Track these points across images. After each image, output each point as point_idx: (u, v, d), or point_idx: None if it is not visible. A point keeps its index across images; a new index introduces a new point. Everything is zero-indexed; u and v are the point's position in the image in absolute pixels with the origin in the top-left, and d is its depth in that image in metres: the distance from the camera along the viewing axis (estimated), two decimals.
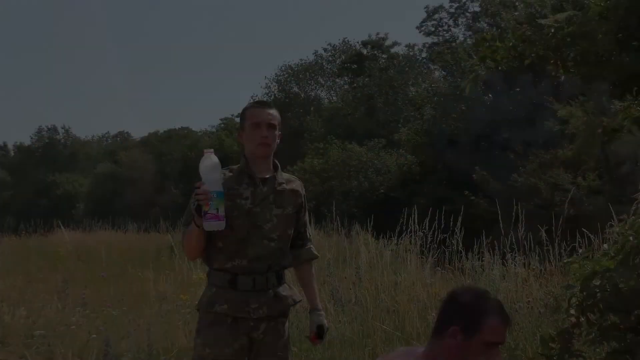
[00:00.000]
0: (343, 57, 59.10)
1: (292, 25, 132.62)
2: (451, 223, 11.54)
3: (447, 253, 11.52)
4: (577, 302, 4.32)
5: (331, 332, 8.41)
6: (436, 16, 52.79)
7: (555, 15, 4.62)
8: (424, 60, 53.04)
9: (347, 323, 8.84)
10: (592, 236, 10.18)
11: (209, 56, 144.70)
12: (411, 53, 54.21)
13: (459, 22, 51.97)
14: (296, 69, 58.79)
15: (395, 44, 57.63)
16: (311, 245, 5.12)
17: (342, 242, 17.16)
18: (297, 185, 4.98)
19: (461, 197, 25.85)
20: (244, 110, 4.88)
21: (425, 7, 52.38)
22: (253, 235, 4.67)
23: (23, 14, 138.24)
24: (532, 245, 10.65)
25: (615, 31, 4.17)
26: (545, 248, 10.51)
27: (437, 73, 46.00)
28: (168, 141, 73.52)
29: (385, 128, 44.30)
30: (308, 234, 5.11)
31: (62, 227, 25.70)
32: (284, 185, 4.86)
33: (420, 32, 54.04)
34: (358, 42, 59.25)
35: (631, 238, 4.28)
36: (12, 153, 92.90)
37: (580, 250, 7.33)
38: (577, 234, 10.74)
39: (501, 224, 10.58)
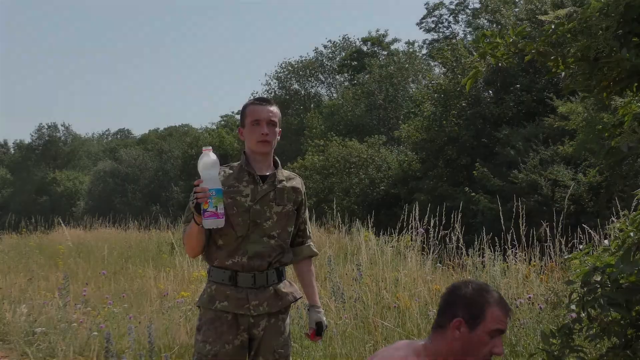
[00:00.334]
0: (343, 53, 59.15)
1: (292, 22, 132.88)
2: (452, 219, 11.53)
3: (447, 249, 11.52)
4: (578, 298, 4.31)
5: (332, 328, 8.42)
6: (436, 13, 52.95)
7: (556, 12, 4.62)
8: (424, 56, 53.04)
9: (348, 319, 8.84)
10: (592, 232, 10.19)
11: (209, 53, 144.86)
12: (411, 50, 54.26)
13: (459, 19, 52.13)
14: (296, 65, 58.84)
15: (395, 40, 57.85)
16: (311, 243, 5.11)
17: (342, 238, 17.17)
18: (297, 182, 4.96)
19: (462, 193, 25.90)
20: (245, 107, 4.87)
21: (425, 4, 52.59)
22: (253, 233, 4.67)
23: (24, 12, 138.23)
24: (533, 241, 10.65)
25: (616, 27, 4.17)
26: (546, 244, 10.51)
27: (437, 69, 46.01)
28: (168, 138, 73.67)
29: (386, 125, 44.36)
30: (308, 231, 5.10)
31: (62, 224, 25.71)
32: (284, 182, 4.85)
33: (420, 28, 54.27)
34: (358, 39, 59.45)
35: (632, 234, 4.29)
36: (12, 151, 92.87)
37: (581, 246, 7.33)
38: (578, 229, 10.75)
39: (502, 220, 10.57)
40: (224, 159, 47.79)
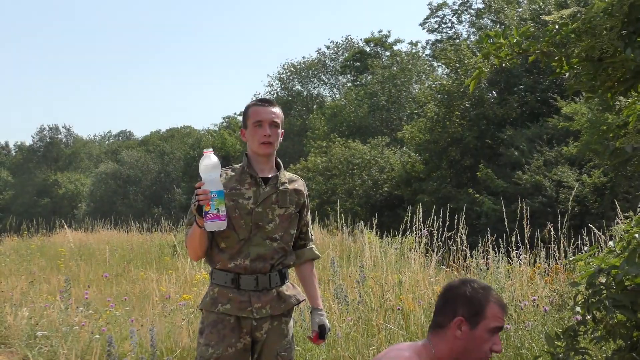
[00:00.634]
0: (346, 54, 59.16)
1: (294, 23, 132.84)
2: (455, 221, 11.52)
3: (451, 251, 11.51)
4: (583, 300, 4.31)
5: (335, 331, 8.41)
6: (439, 13, 52.85)
7: (559, 12, 4.61)
8: (427, 57, 53.04)
9: (352, 322, 8.83)
10: (597, 233, 10.18)
11: (211, 54, 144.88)
12: (414, 50, 54.24)
13: (463, 19, 52.05)
14: (299, 66, 58.93)
15: (398, 41, 57.85)
16: (313, 245, 5.10)
17: (346, 240, 17.18)
18: (299, 184, 4.95)
19: (465, 194, 25.91)
20: (247, 108, 4.85)
21: (428, 4, 52.43)
22: (255, 236, 4.67)
23: (24, 11, 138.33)
24: (537, 242, 10.64)
25: (620, 27, 4.16)
26: (550, 246, 10.50)
27: (440, 70, 46.01)
28: (170, 140, 73.70)
29: (389, 126, 44.38)
30: (310, 233, 5.09)
31: (65, 226, 25.72)
32: (287, 184, 4.85)
33: (423, 29, 54.24)
34: (361, 40, 59.53)
35: (637, 235, 4.28)
36: (13, 152, 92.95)
37: (586, 248, 7.32)
38: (583, 231, 10.73)
39: (506, 222, 10.56)
40: (226, 160, 47.85)
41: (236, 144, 54.59)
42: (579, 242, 10.46)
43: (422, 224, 11.86)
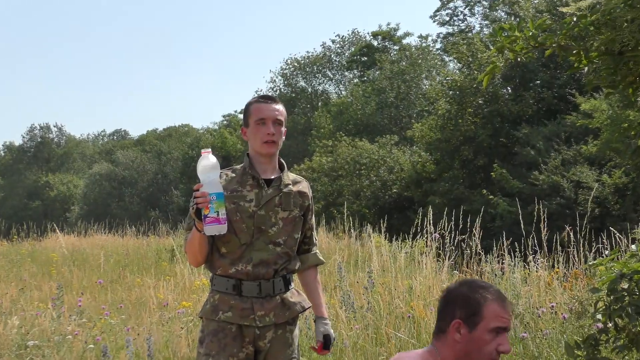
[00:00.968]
0: (352, 49, 59.16)
1: (298, 15, 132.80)
2: (469, 224, 11.52)
3: (465, 255, 11.51)
4: (604, 307, 4.31)
5: (342, 340, 8.41)
6: (451, 5, 52.85)
7: (578, 3, 4.60)
8: (438, 51, 53.02)
9: (360, 330, 8.84)
10: (619, 236, 10.17)
11: (210, 49, 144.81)
12: (424, 44, 54.22)
13: (475, 11, 52.05)
14: (303, 62, 58.93)
15: (407, 34, 57.85)
16: (317, 250, 5.10)
17: (353, 244, 17.17)
18: (304, 186, 4.94)
19: (479, 196, 25.89)
20: (248, 105, 4.84)
21: None
22: (258, 240, 4.66)
23: (8, 4, 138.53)
24: (555, 246, 10.64)
25: None
26: (569, 249, 10.49)
27: (452, 65, 45.97)
28: (168, 139, 73.79)
29: (398, 124, 44.36)
30: (314, 238, 5.08)
31: (57, 230, 25.76)
32: (290, 186, 4.83)
33: (434, 21, 54.22)
34: (368, 33, 59.49)
35: None
36: (2, 153, 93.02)
37: (607, 252, 7.31)
38: (603, 234, 10.73)
39: (522, 224, 10.56)
40: (226, 161, 47.84)
41: (237, 143, 54.61)
42: (600, 245, 10.46)
43: (433, 226, 11.87)
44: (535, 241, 10.48)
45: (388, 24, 58.83)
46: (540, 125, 27.12)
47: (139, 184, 66.43)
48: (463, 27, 52.33)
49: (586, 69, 4.71)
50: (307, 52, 63.82)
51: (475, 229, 11.21)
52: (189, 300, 11.52)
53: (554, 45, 4.62)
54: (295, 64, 59.04)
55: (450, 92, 31.44)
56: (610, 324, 4.29)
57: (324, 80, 60.04)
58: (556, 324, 8.15)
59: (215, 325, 4.66)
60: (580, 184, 23.18)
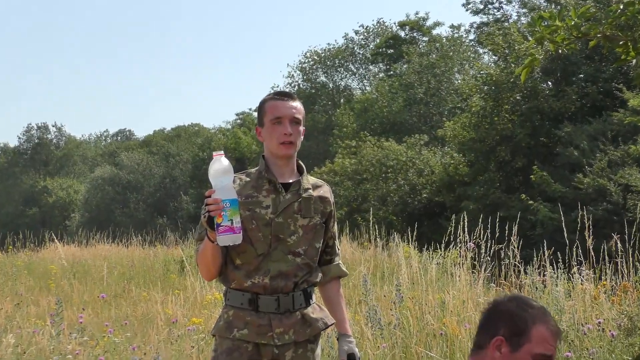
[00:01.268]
0: (377, 40, 59.15)
1: (318, 4, 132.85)
2: (506, 232, 11.49)
3: (502, 267, 11.48)
4: None
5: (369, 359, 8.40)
6: None
7: None
8: (472, 43, 52.96)
9: (387, 349, 8.83)
10: None
11: (222, 42, 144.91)
12: (456, 35, 54.16)
13: None
14: (323, 55, 58.98)
15: (437, 24, 57.86)
16: (340, 261, 5.07)
17: (379, 255, 17.17)
18: (325, 190, 4.92)
19: (517, 201, 25.82)
20: (263, 102, 4.83)
21: None
22: (276, 250, 4.63)
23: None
24: (602, 256, 10.60)
25: None
26: (617, 260, 10.45)
27: (486, 58, 45.92)
28: (176, 140, 73.96)
29: (428, 122, 44.33)
30: (337, 247, 5.06)
31: (55, 240, 25.84)
32: (311, 191, 4.80)
33: (466, 10, 54.00)
34: (395, 23, 59.45)
35: None
36: None
37: None
38: None
39: (565, 232, 10.53)
40: (240, 164, 47.90)
41: (252, 144, 54.73)
42: None
43: (467, 235, 11.86)
44: (580, 251, 10.45)
45: (416, 13, 58.98)
46: (584, 123, 27.02)
47: (145, 188, 66.62)
48: (499, 16, 52.20)
49: (634, 61, 4.69)
50: (328, 44, 64.06)
51: (514, 238, 11.19)
52: (200, 316, 11.53)
53: (598, 35, 4.61)
54: (315, 57, 59.11)
55: (485, 88, 31.37)
56: None
57: (346, 75, 60.12)
58: (603, 342, 8.11)
59: (230, 343, 4.64)
60: (628, 187, 23.06)
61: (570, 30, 4.63)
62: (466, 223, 11.86)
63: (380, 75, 57.70)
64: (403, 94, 45.90)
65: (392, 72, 54.90)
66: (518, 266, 11.02)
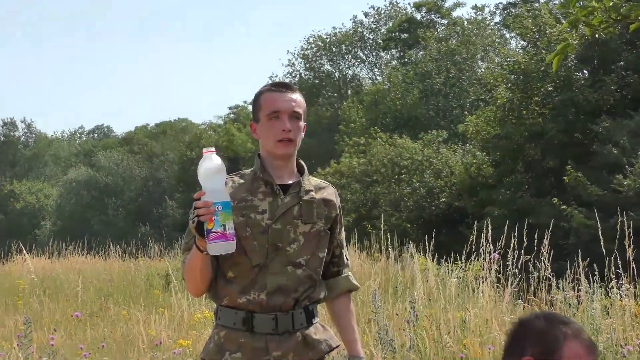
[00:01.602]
0: (390, 24, 59.21)
1: None
2: (536, 241, 11.50)
3: (531, 281, 11.50)
4: None
5: None
6: None
7: None
8: (497, 26, 52.99)
9: None
10: None
11: (213, 25, 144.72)
12: (480, 17, 54.16)
13: None
14: (328, 40, 59.03)
15: (458, 5, 57.81)
16: (349, 273, 5.02)
17: (391, 267, 17.19)
18: (329, 192, 4.88)
19: (549, 206, 25.84)
20: (258, 95, 4.81)
21: None
22: (273, 261, 4.59)
23: None
24: None
25: None
26: None
27: (514, 43, 45.96)
28: (161, 137, 74.03)
29: (447, 117, 44.35)
30: (345, 257, 5.02)
31: (24, 251, 25.86)
32: (313, 193, 4.77)
33: None
34: (409, 4, 59.47)
35: None
36: None
37: None
38: None
39: (602, 241, 10.53)
40: (234, 164, 47.90)
41: (247, 142, 54.83)
42: None
43: (491, 245, 11.86)
44: (619, 262, 10.45)
45: None
46: (624, 117, 27.02)
47: (125, 193, 66.72)
48: None
49: None
50: (334, 28, 63.81)
51: (544, 248, 11.19)
52: (188, 337, 11.55)
53: None
54: (320, 43, 59.17)
55: (513, 77, 31.41)
56: None
57: (354, 63, 60.23)
58: None
59: None
60: None
61: (609, 12, 4.64)
62: (490, 231, 11.87)
63: (393, 64, 57.77)
64: (419, 84, 45.94)
65: (406, 60, 54.97)
66: (549, 280, 11.03)
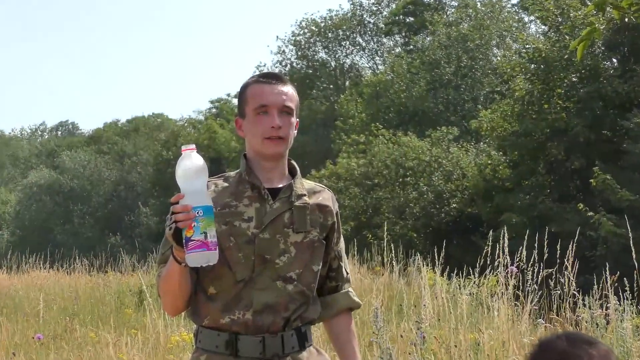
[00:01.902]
0: (393, 6, 59.26)
1: None
2: (559, 252, 11.52)
3: (553, 297, 11.51)
4: None
5: None
6: None
7: None
8: (515, 9, 53.04)
9: None
10: None
11: (193, 8, 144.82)
12: None
13: None
14: (323, 24, 59.00)
15: None
16: (350, 288, 5.00)
17: (395, 282, 17.21)
18: (325, 197, 4.84)
19: (573, 212, 25.85)
20: (244, 87, 4.78)
21: None
22: (261, 275, 4.55)
23: None
24: None
25: None
26: None
27: (533, 28, 45.98)
28: (133, 135, 73.99)
29: (458, 111, 44.35)
30: (344, 270, 4.98)
31: None
32: (306, 198, 4.73)
33: None
34: None
35: None
36: None
37: None
38: None
39: (633, 253, 10.55)
40: (216, 164, 47.88)
41: (231, 140, 54.79)
42: None
43: (509, 257, 11.87)
44: None
45: None
46: None
47: (93, 198, 66.69)
48: None
49: None
50: (330, 10, 63.79)
51: (568, 260, 11.21)
52: None
53: None
54: (313, 28, 59.19)
55: (532, 66, 31.41)
56: None
57: (353, 51, 60.21)
58: None
59: None
60: None
61: None
62: (507, 241, 11.88)
63: (397, 51, 57.79)
64: (426, 74, 45.94)
65: (411, 47, 54.98)
66: (574, 297, 11.04)
